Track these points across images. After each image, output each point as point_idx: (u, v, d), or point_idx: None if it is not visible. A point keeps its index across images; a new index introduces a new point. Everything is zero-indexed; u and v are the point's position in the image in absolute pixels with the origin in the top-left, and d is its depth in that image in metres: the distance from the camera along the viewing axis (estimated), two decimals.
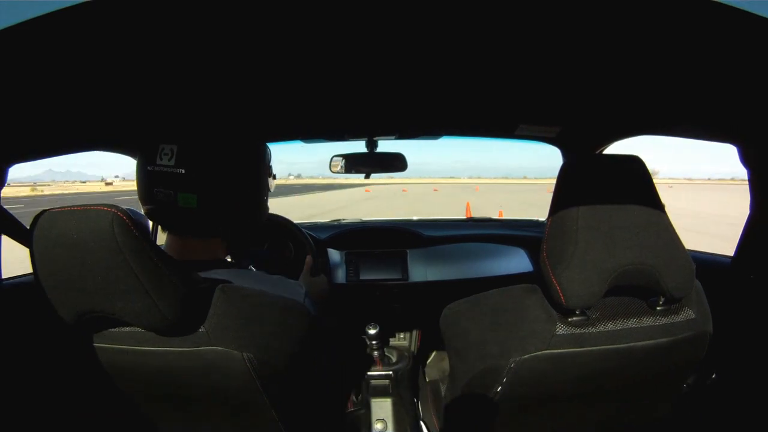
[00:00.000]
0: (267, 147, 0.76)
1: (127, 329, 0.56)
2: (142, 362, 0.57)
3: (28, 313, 0.70)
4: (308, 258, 1.11)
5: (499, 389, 0.65)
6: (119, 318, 0.53)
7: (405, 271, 1.57)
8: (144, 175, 0.65)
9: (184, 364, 0.57)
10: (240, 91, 0.95)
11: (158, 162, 0.63)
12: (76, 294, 0.51)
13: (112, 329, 0.57)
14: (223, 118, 0.69)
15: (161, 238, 1.25)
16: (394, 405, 1.38)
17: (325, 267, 1.52)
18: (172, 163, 0.62)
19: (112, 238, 0.48)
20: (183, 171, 0.62)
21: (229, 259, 0.75)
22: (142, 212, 0.73)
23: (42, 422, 0.76)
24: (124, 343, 0.57)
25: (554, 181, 0.67)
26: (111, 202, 0.50)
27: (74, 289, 0.51)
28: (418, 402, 1.43)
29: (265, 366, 0.58)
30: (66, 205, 0.51)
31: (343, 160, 1.52)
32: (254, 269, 1.15)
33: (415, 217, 2.05)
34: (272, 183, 0.79)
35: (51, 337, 0.59)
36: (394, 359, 1.50)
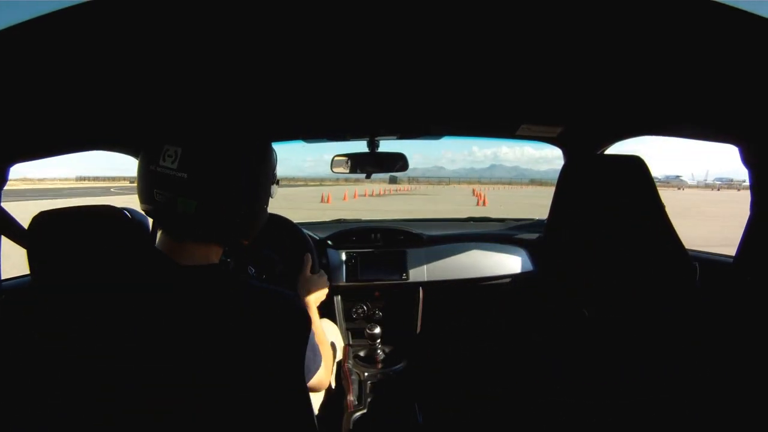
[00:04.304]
0: (273, 152, 0.74)
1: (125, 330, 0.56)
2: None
3: (27, 313, 0.70)
4: (306, 256, 1.10)
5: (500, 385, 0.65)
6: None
7: (405, 271, 1.57)
8: (145, 175, 0.63)
9: None
10: (243, 90, 0.96)
11: (161, 163, 0.61)
12: (74, 294, 0.51)
13: (111, 330, 0.57)
14: (228, 122, 0.67)
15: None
16: (394, 403, 1.38)
17: (324, 267, 1.52)
18: (174, 166, 0.60)
19: (111, 238, 0.48)
20: (185, 176, 0.61)
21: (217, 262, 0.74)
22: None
23: (40, 423, 0.76)
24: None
25: None
26: None
27: (72, 290, 0.51)
28: (416, 401, 1.43)
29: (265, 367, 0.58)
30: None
31: (345, 160, 1.52)
32: (253, 269, 1.15)
33: (414, 217, 2.05)
34: (275, 189, 0.77)
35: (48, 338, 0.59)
36: (393, 358, 1.50)
